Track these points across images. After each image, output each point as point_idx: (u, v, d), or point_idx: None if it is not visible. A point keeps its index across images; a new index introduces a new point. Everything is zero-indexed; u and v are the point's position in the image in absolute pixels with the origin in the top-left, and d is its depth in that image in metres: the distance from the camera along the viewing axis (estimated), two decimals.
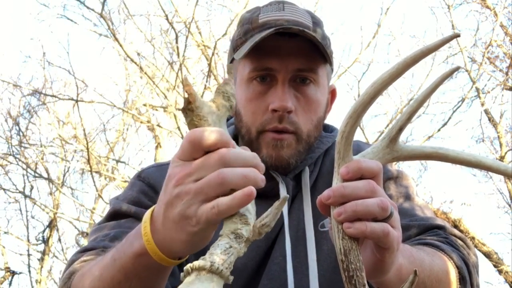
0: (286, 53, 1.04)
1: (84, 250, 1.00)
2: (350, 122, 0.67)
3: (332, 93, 1.18)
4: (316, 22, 1.10)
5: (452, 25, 7.39)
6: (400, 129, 0.70)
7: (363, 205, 0.68)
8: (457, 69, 0.67)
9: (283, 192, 1.08)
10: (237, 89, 1.11)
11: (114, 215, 1.07)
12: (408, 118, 0.70)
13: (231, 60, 1.14)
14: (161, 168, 1.14)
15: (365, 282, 0.66)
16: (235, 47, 1.11)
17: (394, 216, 0.72)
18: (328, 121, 1.26)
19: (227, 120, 1.24)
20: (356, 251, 0.67)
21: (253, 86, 1.07)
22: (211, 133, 0.66)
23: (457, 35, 0.62)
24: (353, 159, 0.70)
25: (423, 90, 0.68)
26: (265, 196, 1.10)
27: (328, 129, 1.24)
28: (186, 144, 0.67)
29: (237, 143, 1.15)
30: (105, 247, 0.98)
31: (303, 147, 1.07)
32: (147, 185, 1.10)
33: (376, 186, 0.70)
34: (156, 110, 7.90)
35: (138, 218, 1.04)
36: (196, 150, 0.67)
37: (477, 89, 7.39)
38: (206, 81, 6.60)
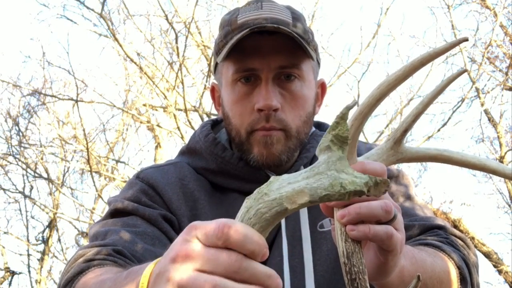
0: (267, 52, 1.04)
1: (92, 246, 0.98)
2: (355, 124, 0.66)
3: (322, 87, 1.18)
4: (296, 17, 1.09)
5: (452, 25, 7.38)
6: (405, 131, 0.70)
7: (367, 207, 0.68)
8: (463, 72, 0.67)
9: None
10: (223, 92, 1.11)
11: (116, 213, 1.06)
12: (413, 120, 0.70)
13: (216, 64, 1.13)
14: (160, 169, 1.13)
15: (368, 285, 0.65)
16: (217, 51, 1.11)
17: (398, 219, 0.72)
18: (325, 120, 1.26)
19: (222, 120, 1.23)
20: (359, 254, 0.67)
21: (238, 87, 1.07)
22: (254, 240, 0.55)
23: (465, 39, 0.61)
24: (358, 161, 0.70)
25: (429, 92, 0.68)
26: None
27: (324, 127, 1.23)
28: (222, 231, 0.54)
29: (231, 144, 1.16)
30: (115, 244, 0.97)
31: (293, 143, 1.07)
32: (147, 185, 1.10)
33: None
34: (156, 110, 7.90)
35: (140, 216, 1.04)
36: (222, 243, 0.54)
37: (477, 89, 7.39)
38: (206, 81, 6.60)
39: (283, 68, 1.05)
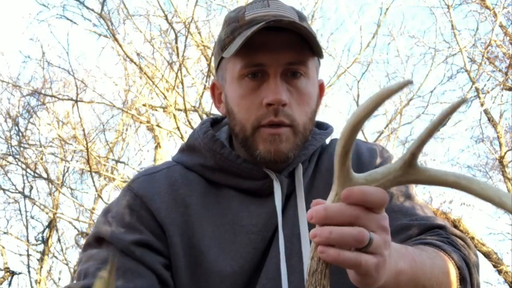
0: (276, 47, 1.04)
1: None
2: (347, 139, 0.67)
3: (321, 88, 1.18)
4: (302, 17, 1.10)
5: (452, 25, 7.38)
6: (413, 154, 0.67)
7: (337, 233, 0.67)
8: (465, 100, 0.63)
9: (277, 190, 1.08)
10: (228, 88, 1.10)
11: (97, 240, 1.06)
12: (420, 145, 0.67)
13: (220, 60, 1.13)
14: (151, 177, 1.13)
15: None
16: (223, 47, 1.10)
17: (374, 243, 0.70)
18: (324, 119, 1.26)
19: (221, 119, 1.22)
20: (319, 274, 0.67)
21: (245, 82, 1.06)
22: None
23: (410, 82, 0.62)
24: (358, 178, 0.69)
25: (435, 118, 0.65)
26: (259, 195, 1.10)
27: (323, 126, 1.23)
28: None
29: (231, 143, 1.15)
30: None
31: (300, 140, 1.07)
32: (136, 195, 1.09)
33: (361, 214, 0.68)
34: (156, 110, 7.90)
35: (117, 247, 1.03)
36: None
37: (477, 89, 7.38)
38: (206, 81, 6.60)
39: (291, 64, 1.05)
